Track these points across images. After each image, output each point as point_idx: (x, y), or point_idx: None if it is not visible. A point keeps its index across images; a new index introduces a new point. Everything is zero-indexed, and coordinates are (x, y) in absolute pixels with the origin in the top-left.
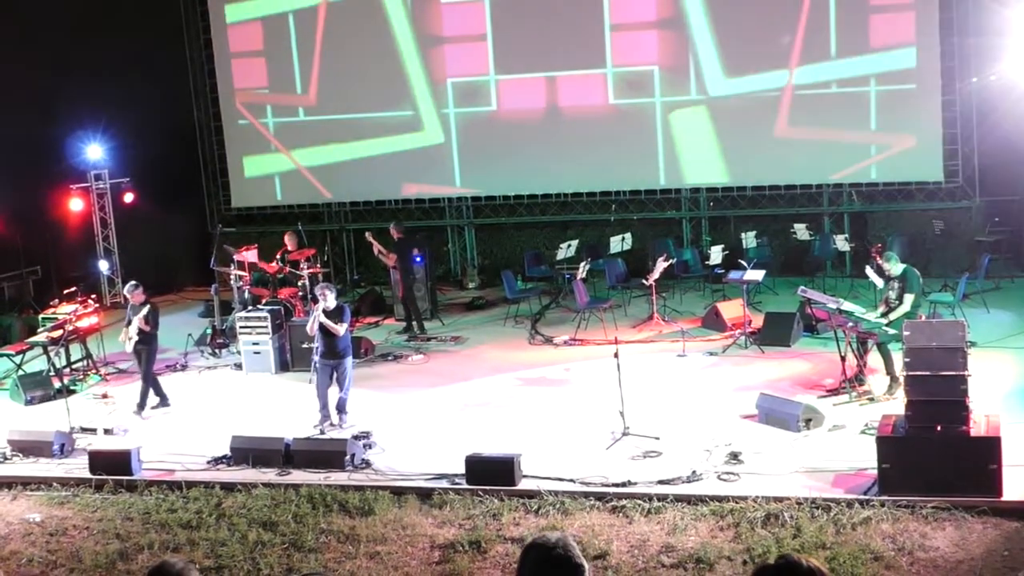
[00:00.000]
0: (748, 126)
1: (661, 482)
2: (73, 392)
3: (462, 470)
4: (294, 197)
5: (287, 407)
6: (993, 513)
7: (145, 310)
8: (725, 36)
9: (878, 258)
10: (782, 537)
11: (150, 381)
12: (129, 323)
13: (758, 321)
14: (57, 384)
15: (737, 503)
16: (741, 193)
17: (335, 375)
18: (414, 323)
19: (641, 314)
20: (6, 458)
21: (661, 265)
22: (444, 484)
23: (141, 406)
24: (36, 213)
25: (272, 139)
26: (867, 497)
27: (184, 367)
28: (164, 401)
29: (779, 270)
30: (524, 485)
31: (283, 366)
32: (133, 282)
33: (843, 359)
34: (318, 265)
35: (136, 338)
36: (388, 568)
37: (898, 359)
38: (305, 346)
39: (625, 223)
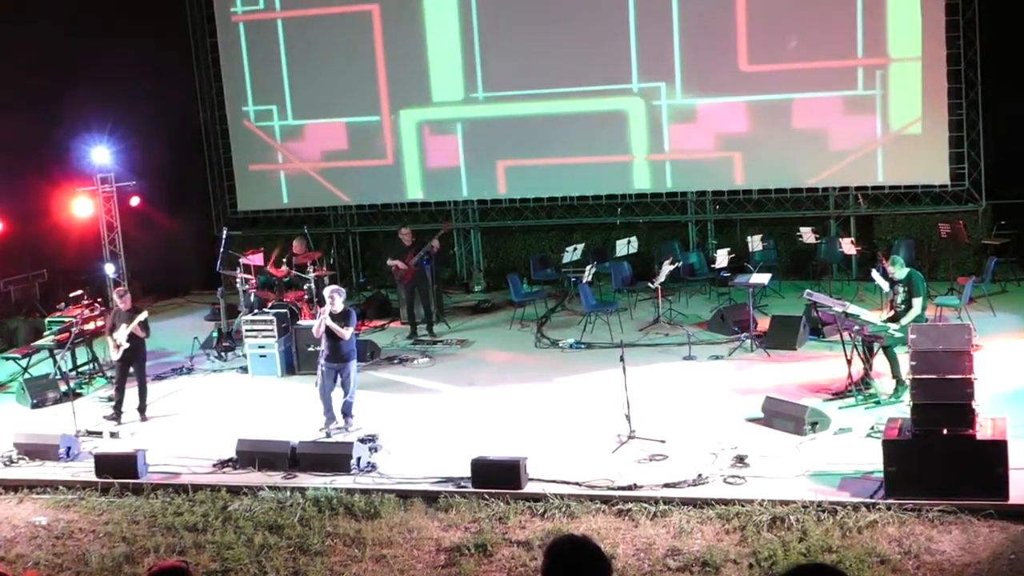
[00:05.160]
0: (754, 129)
1: (667, 485)
2: (79, 395)
3: (468, 473)
4: (300, 200)
5: (293, 410)
6: (999, 516)
7: (142, 316)
8: (731, 39)
9: (885, 261)
10: (788, 540)
11: (145, 382)
12: (115, 329)
13: (764, 324)
14: (63, 387)
15: (743, 506)
16: (747, 196)
17: (339, 378)
18: (424, 324)
19: (647, 317)
20: (12, 461)
21: (667, 268)
22: (450, 487)
23: (142, 409)
24: (42, 216)
25: (278, 142)
26: (873, 500)
27: (190, 370)
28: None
29: (785, 273)
30: (530, 488)
31: (289, 369)
32: (122, 288)
33: (849, 362)
34: (324, 268)
35: (127, 345)
36: (394, 571)
37: (904, 362)
38: (311, 349)
39: (631, 226)
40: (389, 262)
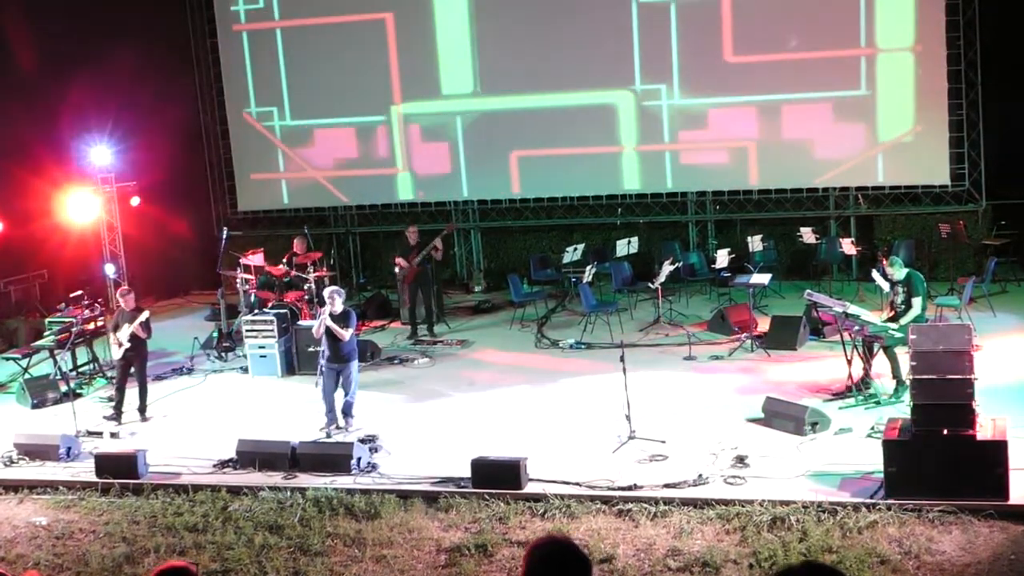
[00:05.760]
0: (755, 130)
1: (667, 485)
2: (79, 395)
3: (468, 473)
4: (300, 200)
5: (293, 410)
6: (1000, 516)
7: (144, 316)
8: (732, 40)
9: (885, 261)
10: (788, 541)
11: (146, 382)
12: (117, 328)
13: (764, 324)
14: (63, 387)
15: (743, 507)
16: (747, 196)
17: (340, 379)
18: (424, 324)
19: (647, 317)
20: (12, 461)
21: (667, 268)
22: (450, 487)
23: (142, 409)
24: (42, 216)
25: (279, 143)
26: (873, 501)
27: (190, 370)
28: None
29: (785, 274)
30: (530, 488)
31: (289, 369)
32: (126, 287)
33: (849, 362)
34: (324, 268)
35: (128, 344)
36: (394, 572)
37: (904, 362)
38: (311, 349)
39: (631, 226)
40: (395, 260)
